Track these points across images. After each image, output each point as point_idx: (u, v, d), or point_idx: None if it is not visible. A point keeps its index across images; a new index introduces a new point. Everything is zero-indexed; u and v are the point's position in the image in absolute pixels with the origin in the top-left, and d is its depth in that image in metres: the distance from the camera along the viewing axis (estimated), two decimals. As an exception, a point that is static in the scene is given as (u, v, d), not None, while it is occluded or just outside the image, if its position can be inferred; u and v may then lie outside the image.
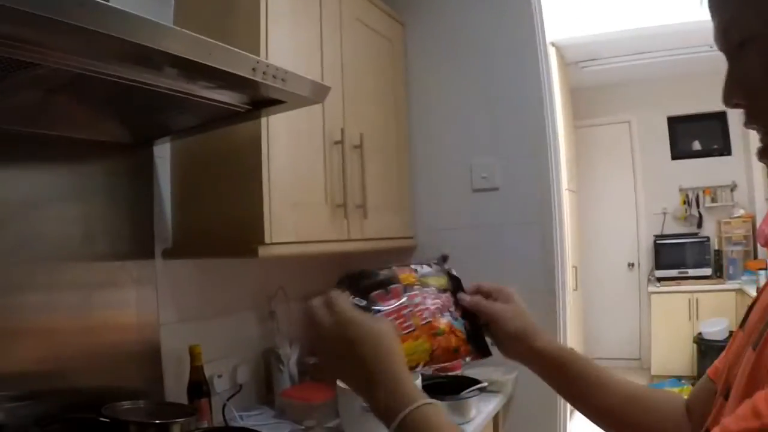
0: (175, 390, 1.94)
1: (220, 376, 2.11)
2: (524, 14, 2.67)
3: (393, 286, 0.98)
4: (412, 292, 1.00)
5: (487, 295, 1.10)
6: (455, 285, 1.10)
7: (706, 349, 5.88)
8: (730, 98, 0.75)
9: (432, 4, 2.87)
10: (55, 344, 1.63)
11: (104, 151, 1.81)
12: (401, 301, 0.97)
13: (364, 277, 0.97)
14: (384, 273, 1.00)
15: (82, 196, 1.74)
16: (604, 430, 1.04)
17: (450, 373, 2.33)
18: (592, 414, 1.04)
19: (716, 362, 0.94)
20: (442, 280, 1.08)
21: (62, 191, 1.70)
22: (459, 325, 1.02)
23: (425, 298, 1.01)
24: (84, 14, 0.93)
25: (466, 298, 1.08)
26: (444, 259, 1.12)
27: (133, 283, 1.87)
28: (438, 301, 1.02)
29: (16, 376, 1.53)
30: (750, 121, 0.74)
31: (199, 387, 1.90)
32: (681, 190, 7.03)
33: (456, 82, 2.81)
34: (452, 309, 1.04)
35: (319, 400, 2.05)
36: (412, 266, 1.05)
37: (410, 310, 0.97)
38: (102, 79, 1.18)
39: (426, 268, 1.09)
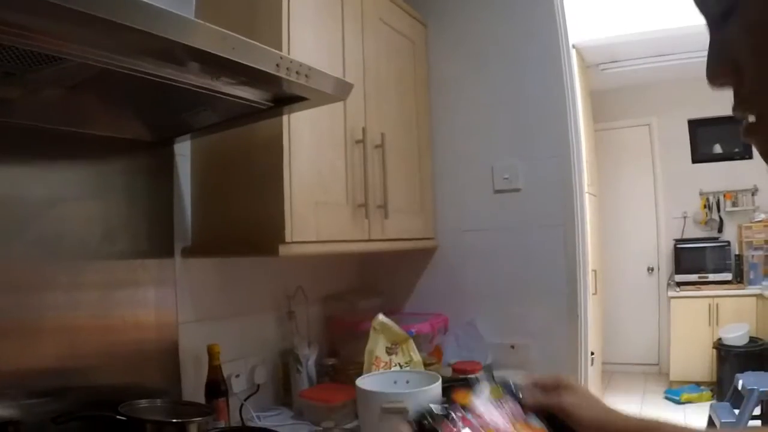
0: (193, 389, 1.94)
1: (237, 376, 2.11)
2: (547, 16, 2.65)
3: (455, 414, 0.96)
4: (476, 412, 0.97)
5: (547, 388, 1.06)
6: (510, 389, 1.06)
7: (726, 354, 5.82)
8: (713, 78, 0.65)
9: (455, 5, 2.85)
10: (74, 342, 1.63)
11: (125, 149, 1.82)
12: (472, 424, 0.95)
13: (425, 417, 0.96)
14: (441, 408, 0.98)
15: (102, 194, 1.74)
16: None
17: (469, 375, 2.30)
18: None
19: None
20: (497, 390, 1.05)
21: (82, 189, 1.70)
22: (536, 422, 1.00)
23: (490, 411, 0.99)
24: (108, 6, 0.92)
25: (529, 400, 1.04)
26: (488, 369, 1.11)
27: (152, 282, 1.87)
28: (503, 409, 1.00)
29: (35, 373, 1.53)
30: (738, 105, 0.64)
31: (216, 386, 1.90)
32: (701, 193, 6.96)
33: (478, 84, 2.79)
34: (520, 412, 1.01)
35: (338, 401, 2.03)
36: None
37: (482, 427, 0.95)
38: (125, 74, 1.18)
39: (478, 383, 1.05)
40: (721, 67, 0.64)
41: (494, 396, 1.02)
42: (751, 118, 0.63)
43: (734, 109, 0.64)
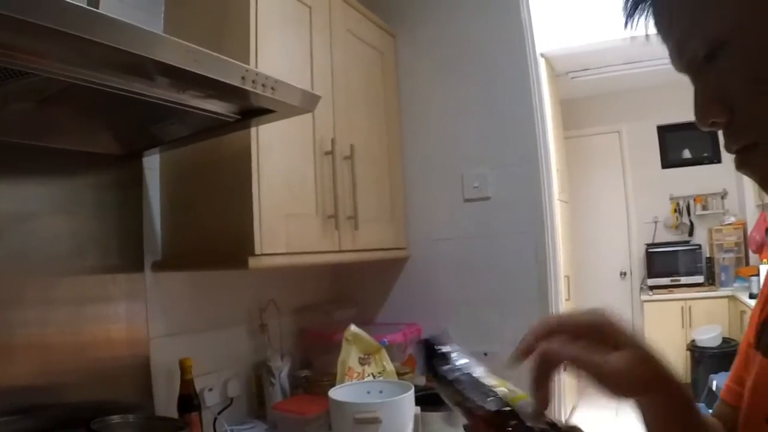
0: (166, 404, 1.93)
1: (210, 390, 2.10)
2: (515, 26, 2.68)
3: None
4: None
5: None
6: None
7: (700, 356, 5.88)
8: (706, 119, 0.67)
9: (423, 15, 2.87)
10: (45, 358, 1.62)
11: (94, 163, 1.80)
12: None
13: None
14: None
15: (71, 208, 1.73)
16: None
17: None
18: None
19: (729, 383, 0.89)
20: None
21: (51, 204, 1.69)
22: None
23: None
24: (76, 22, 0.93)
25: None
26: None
27: (122, 297, 1.86)
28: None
29: (6, 390, 1.52)
30: (731, 140, 0.67)
31: (189, 401, 1.89)
32: (672, 198, 7.04)
33: (447, 93, 2.81)
34: None
35: (312, 413, 2.03)
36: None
37: None
38: (93, 88, 1.18)
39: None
40: (713, 106, 0.65)
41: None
42: (745, 146, 0.65)
43: (726, 145, 0.67)
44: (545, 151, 2.67)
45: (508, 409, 0.81)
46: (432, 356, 0.89)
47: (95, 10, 0.97)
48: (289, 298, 2.57)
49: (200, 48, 1.18)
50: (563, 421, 0.85)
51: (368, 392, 1.94)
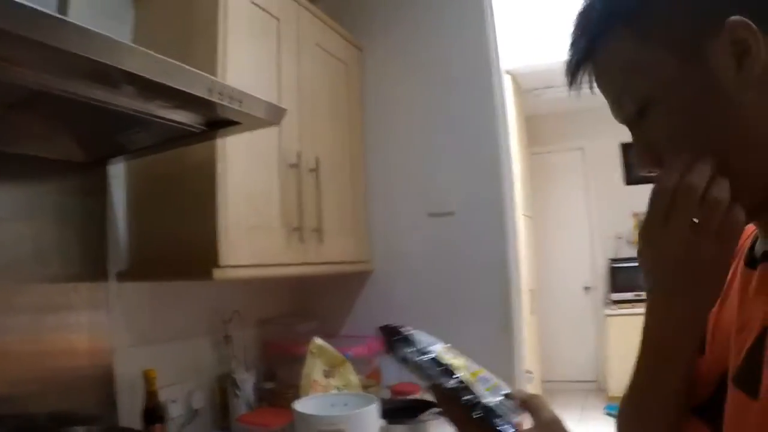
0: (129, 415, 1.91)
1: (174, 402, 2.08)
2: (480, 42, 2.71)
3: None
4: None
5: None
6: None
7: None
8: (642, 166, 0.78)
9: (390, 29, 2.90)
10: (5, 368, 1.59)
11: (58, 170, 1.79)
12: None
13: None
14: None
15: (34, 215, 1.72)
16: None
17: (408, 397, 2.32)
18: None
19: None
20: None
21: (13, 210, 1.67)
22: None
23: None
24: (41, 28, 0.93)
25: None
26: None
27: (85, 306, 1.84)
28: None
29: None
30: None
31: (153, 412, 1.88)
32: (634, 214, 7.14)
33: (412, 107, 2.84)
34: None
35: (276, 425, 2.03)
36: None
37: None
38: (58, 96, 1.18)
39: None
40: (645, 155, 0.77)
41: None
42: None
43: None
44: (508, 166, 2.71)
45: (463, 385, 0.87)
46: (393, 341, 0.93)
47: (63, 17, 0.97)
48: (253, 309, 2.57)
49: (167, 59, 1.18)
50: (523, 391, 0.91)
51: (333, 405, 1.94)
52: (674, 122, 0.73)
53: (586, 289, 7.46)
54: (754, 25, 0.67)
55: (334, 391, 2.12)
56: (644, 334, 0.81)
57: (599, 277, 7.38)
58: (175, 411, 2.07)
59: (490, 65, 2.69)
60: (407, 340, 0.95)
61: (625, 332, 6.54)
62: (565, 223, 7.50)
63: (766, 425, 0.62)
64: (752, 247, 0.80)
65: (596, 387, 7.20)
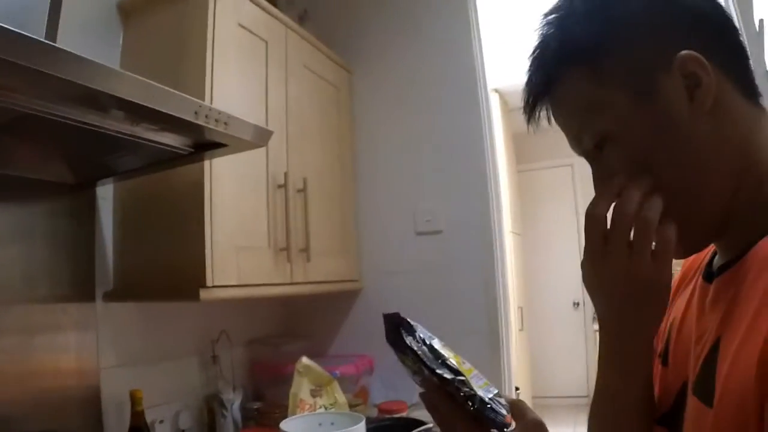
0: (116, 436, 1.91)
1: (161, 422, 2.08)
2: (467, 62, 2.75)
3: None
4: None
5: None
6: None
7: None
8: (604, 198, 0.80)
9: (379, 52, 2.93)
10: (-8, 388, 1.59)
11: (46, 191, 1.80)
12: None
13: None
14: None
15: (21, 236, 1.72)
16: None
17: (396, 415, 2.32)
18: None
19: None
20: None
21: (2, 231, 1.67)
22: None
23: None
24: (31, 54, 0.94)
25: None
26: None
27: (73, 326, 1.84)
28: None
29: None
30: None
31: (139, 432, 1.87)
32: (623, 231, 7.18)
33: (400, 128, 2.86)
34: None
35: (263, 444, 2.03)
36: None
37: None
38: (46, 119, 1.19)
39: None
40: (606, 186, 0.79)
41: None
42: None
43: None
44: (495, 184, 2.73)
45: (462, 378, 0.88)
46: (398, 327, 0.94)
47: (52, 44, 0.99)
48: (241, 329, 2.57)
49: (154, 83, 1.20)
50: (508, 396, 0.93)
51: (320, 424, 1.94)
52: (630, 156, 0.77)
53: (575, 304, 7.47)
54: (704, 59, 0.71)
55: (321, 410, 2.12)
56: (599, 352, 0.84)
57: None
58: (162, 431, 2.07)
59: (477, 84, 2.72)
60: (411, 330, 0.96)
61: (613, 348, 6.57)
62: (554, 239, 7.52)
63: None
64: (710, 263, 0.83)
65: (587, 402, 7.18)
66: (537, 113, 0.87)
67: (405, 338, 0.94)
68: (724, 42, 0.76)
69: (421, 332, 0.97)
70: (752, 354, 0.60)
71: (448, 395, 0.90)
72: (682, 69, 0.72)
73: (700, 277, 0.84)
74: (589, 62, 0.77)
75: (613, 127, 0.77)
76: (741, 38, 0.78)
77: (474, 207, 2.68)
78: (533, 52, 0.85)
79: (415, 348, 0.93)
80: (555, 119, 0.86)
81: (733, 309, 0.69)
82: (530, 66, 0.85)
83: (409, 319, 0.98)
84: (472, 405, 0.88)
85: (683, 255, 0.81)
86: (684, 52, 0.71)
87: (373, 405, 2.54)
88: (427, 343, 0.96)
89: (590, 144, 0.81)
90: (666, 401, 0.84)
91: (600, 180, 0.82)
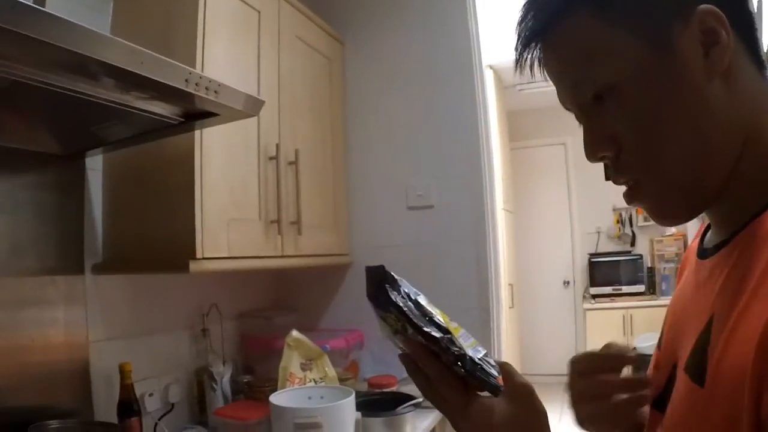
0: (105, 409, 1.90)
1: (151, 395, 2.07)
2: (462, 37, 2.73)
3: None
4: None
5: None
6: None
7: (641, 362, 6.00)
8: (596, 153, 0.77)
9: (372, 24, 2.90)
10: (-21, 361, 1.58)
11: (34, 162, 1.77)
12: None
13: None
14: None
15: (8, 208, 1.69)
16: None
17: (385, 389, 2.33)
18: None
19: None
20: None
21: (-12, 203, 1.65)
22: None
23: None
24: (18, 19, 0.92)
25: None
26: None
27: (61, 299, 1.82)
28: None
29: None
30: (618, 173, 0.76)
31: (129, 406, 1.86)
32: (615, 209, 7.21)
33: (393, 102, 2.84)
34: None
35: (253, 418, 2.02)
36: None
37: None
38: (34, 86, 1.17)
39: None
40: (602, 142, 0.75)
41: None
42: (630, 181, 0.75)
43: (614, 178, 0.76)
44: (488, 161, 2.72)
45: (450, 336, 0.83)
46: (382, 281, 0.88)
47: (40, 8, 0.96)
48: (231, 303, 2.56)
49: (144, 49, 1.17)
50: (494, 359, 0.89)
51: (309, 398, 1.94)
52: (637, 108, 0.72)
53: (566, 283, 7.51)
54: (724, 15, 0.67)
55: (311, 384, 2.12)
56: None
57: (579, 272, 7.44)
58: (151, 405, 2.06)
59: (471, 60, 2.71)
60: (395, 285, 0.91)
61: (603, 326, 6.62)
62: (545, 217, 7.55)
63: (709, 413, 0.63)
64: (703, 240, 0.82)
65: (575, 380, 7.25)
66: (527, 57, 0.81)
67: (390, 293, 0.88)
68: (743, 6, 0.72)
69: (406, 287, 0.91)
70: (749, 336, 0.58)
71: (434, 355, 0.83)
72: (701, 23, 0.68)
73: (694, 255, 0.83)
74: (601, 6, 0.72)
75: (621, 77, 0.71)
76: (752, 9, 0.74)
77: (466, 183, 2.67)
78: None
79: (401, 304, 0.85)
80: (547, 65, 0.80)
81: (728, 286, 0.68)
82: (527, 6, 0.80)
83: (393, 273, 0.93)
84: (462, 366, 0.82)
85: (679, 221, 0.78)
86: (706, 5, 0.67)
87: (363, 379, 2.54)
88: (413, 298, 0.90)
89: (589, 94, 0.75)
90: (659, 383, 0.83)
91: (597, 133, 0.76)
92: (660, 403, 0.80)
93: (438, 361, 0.83)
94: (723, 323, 0.64)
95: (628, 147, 0.73)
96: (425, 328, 0.84)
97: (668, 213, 0.77)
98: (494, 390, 0.82)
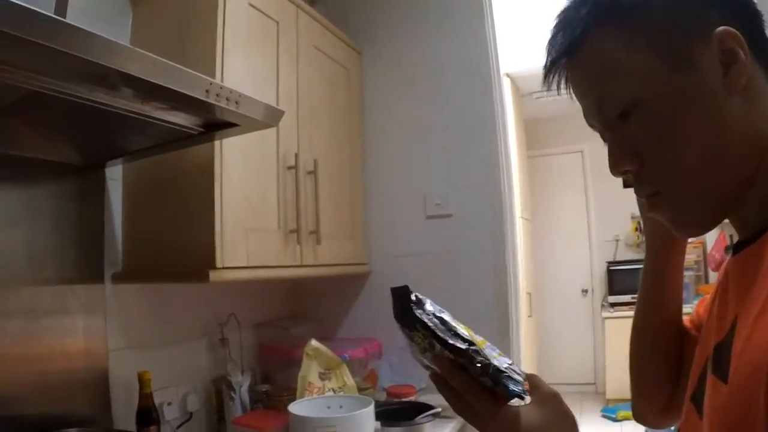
0: (124, 418, 1.90)
1: (170, 404, 2.07)
2: (479, 45, 2.72)
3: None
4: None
5: None
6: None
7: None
8: (620, 168, 0.81)
9: (389, 33, 2.91)
10: (1, 371, 1.58)
11: (54, 172, 1.78)
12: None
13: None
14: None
15: (29, 218, 1.71)
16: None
17: (404, 399, 2.32)
18: None
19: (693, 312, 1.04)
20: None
21: (9, 212, 1.66)
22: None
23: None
24: (41, 30, 0.93)
25: None
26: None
27: (81, 308, 1.83)
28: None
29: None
30: (640, 186, 0.80)
31: (148, 414, 1.86)
32: (633, 217, 7.14)
33: (411, 110, 2.84)
34: None
35: (272, 427, 2.02)
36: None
37: None
38: (56, 97, 1.17)
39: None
40: (626, 157, 0.79)
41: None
42: (653, 193, 0.79)
43: (637, 190, 0.81)
44: (507, 169, 2.71)
45: (475, 347, 0.85)
46: (407, 301, 0.90)
47: (62, 19, 0.97)
48: (250, 312, 2.56)
49: (165, 60, 1.18)
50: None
51: (328, 407, 1.94)
52: (660, 125, 0.76)
53: (584, 291, 7.47)
54: (742, 37, 0.71)
55: (330, 393, 2.12)
56: None
57: (597, 280, 7.39)
58: (170, 413, 2.07)
59: (489, 68, 2.70)
60: (420, 303, 0.93)
61: (622, 335, 6.42)
62: (563, 225, 7.51)
63: (732, 409, 0.64)
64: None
65: (594, 389, 7.21)
66: (553, 75, 0.84)
67: (415, 311, 0.91)
68: (759, 30, 0.76)
69: (431, 306, 0.94)
70: (766, 331, 0.61)
71: (462, 369, 0.85)
72: (721, 43, 0.72)
73: (729, 257, 0.84)
74: (627, 23, 0.76)
75: (644, 95, 0.75)
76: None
77: (485, 192, 2.66)
78: (563, 11, 0.82)
79: (426, 320, 0.89)
80: (573, 83, 0.84)
81: (751, 286, 0.70)
82: (558, 22, 0.83)
83: (417, 293, 0.95)
84: (489, 374, 0.84)
85: (697, 232, 0.81)
86: (725, 27, 0.71)
87: (381, 389, 2.53)
88: (437, 315, 0.92)
89: (615, 112, 0.79)
90: (694, 377, 0.84)
91: (622, 149, 0.80)
92: (697, 396, 0.81)
93: (465, 374, 0.84)
94: (744, 321, 0.67)
95: (650, 161, 0.77)
96: (450, 341, 0.86)
97: (687, 224, 0.80)
98: (521, 397, 0.83)
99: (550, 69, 0.84)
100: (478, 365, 0.84)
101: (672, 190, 0.77)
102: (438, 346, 0.86)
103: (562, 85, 0.85)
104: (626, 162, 0.79)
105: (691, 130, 0.74)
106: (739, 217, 0.79)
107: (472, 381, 0.84)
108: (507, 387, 0.83)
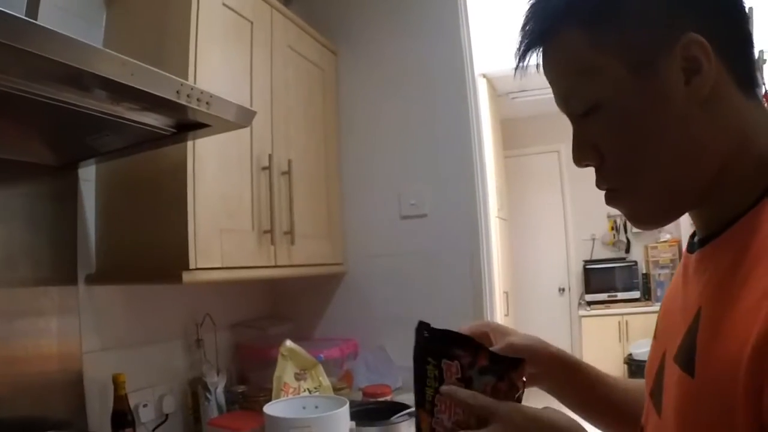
0: (99, 420, 1.90)
1: (145, 406, 2.07)
2: (454, 46, 2.73)
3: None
4: None
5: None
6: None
7: (636, 369, 6.02)
8: (580, 161, 0.83)
9: (365, 34, 2.91)
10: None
11: (27, 173, 1.77)
12: None
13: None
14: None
15: (1, 218, 1.69)
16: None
17: (380, 399, 2.32)
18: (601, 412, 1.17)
19: None
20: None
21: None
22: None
23: None
24: (10, 32, 0.92)
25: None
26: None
27: (55, 310, 1.82)
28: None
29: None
30: (600, 180, 0.82)
31: (123, 417, 1.86)
32: (609, 216, 7.21)
33: (387, 111, 2.84)
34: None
35: (248, 428, 2.02)
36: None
37: None
38: (26, 98, 1.17)
39: None
40: (587, 151, 0.81)
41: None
42: (610, 188, 0.81)
43: (597, 183, 0.82)
44: (482, 169, 2.72)
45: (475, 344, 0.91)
46: (431, 335, 0.95)
47: (31, 20, 0.97)
48: (225, 313, 2.56)
49: (136, 61, 1.18)
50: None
51: (304, 407, 1.94)
52: (618, 128, 0.77)
53: (561, 290, 7.51)
54: (709, 46, 0.70)
55: (306, 394, 2.12)
56: None
57: (574, 278, 7.44)
58: (145, 415, 2.06)
59: (464, 69, 2.71)
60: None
61: (599, 332, 6.63)
62: (540, 225, 7.55)
63: (704, 403, 0.65)
64: (693, 235, 0.85)
65: (571, 388, 7.25)
66: (527, 61, 0.85)
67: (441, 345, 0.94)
68: (734, 32, 0.75)
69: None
70: (741, 328, 0.60)
71: (465, 382, 0.89)
72: (684, 51, 0.71)
73: (684, 251, 0.87)
74: (592, 25, 0.76)
75: (605, 95, 0.76)
76: (749, 27, 0.77)
77: (460, 191, 2.67)
78: (534, 2, 0.82)
79: (421, 342, 0.97)
80: (544, 72, 0.85)
81: (714, 279, 0.71)
82: (529, 12, 0.83)
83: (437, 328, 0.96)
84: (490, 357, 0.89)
85: (653, 227, 0.84)
86: (691, 34, 0.71)
87: (357, 389, 2.53)
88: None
89: (579, 109, 0.80)
90: (651, 373, 0.86)
91: (583, 142, 0.82)
92: (655, 392, 0.82)
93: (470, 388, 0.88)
94: (710, 314, 0.68)
95: (609, 159, 0.79)
96: (449, 347, 0.92)
97: (642, 219, 0.83)
98: (518, 362, 0.89)
99: (523, 55, 0.84)
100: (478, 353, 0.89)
101: (628, 188, 0.79)
102: (444, 360, 0.92)
103: (536, 73, 0.87)
104: (587, 156, 0.81)
105: (648, 136, 0.75)
106: (699, 216, 0.80)
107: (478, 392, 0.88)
108: (505, 357, 0.90)
